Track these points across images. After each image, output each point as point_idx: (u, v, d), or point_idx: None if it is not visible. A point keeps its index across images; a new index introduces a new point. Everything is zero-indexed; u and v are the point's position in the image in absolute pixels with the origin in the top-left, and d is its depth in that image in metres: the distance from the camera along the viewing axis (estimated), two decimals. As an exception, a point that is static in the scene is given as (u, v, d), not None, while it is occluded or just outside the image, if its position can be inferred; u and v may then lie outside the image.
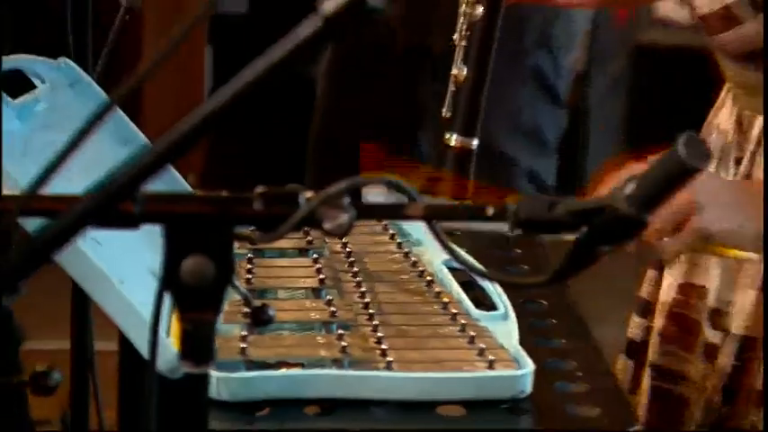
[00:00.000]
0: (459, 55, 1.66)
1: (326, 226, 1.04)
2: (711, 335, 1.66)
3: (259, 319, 1.30)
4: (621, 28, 5.25)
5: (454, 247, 1.13)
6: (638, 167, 1.46)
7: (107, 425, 2.09)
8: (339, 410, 1.40)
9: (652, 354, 1.73)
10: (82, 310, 1.92)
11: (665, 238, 1.41)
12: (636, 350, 1.79)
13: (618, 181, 1.39)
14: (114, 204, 0.96)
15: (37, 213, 0.93)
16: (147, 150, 0.97)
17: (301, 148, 3.17)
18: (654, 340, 1.74)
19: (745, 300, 1.61)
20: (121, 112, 1.64)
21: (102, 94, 1.66)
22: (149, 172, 0.97)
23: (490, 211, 1.09)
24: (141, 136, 1.66)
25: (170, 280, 1.02)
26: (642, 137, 1.88)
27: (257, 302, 1.22)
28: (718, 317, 1.65)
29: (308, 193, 1.05)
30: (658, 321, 1.73)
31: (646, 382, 1.74)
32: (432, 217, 1.12)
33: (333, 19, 0.87)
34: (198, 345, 1.05)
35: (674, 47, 5.41)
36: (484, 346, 1.50)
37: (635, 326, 1.80)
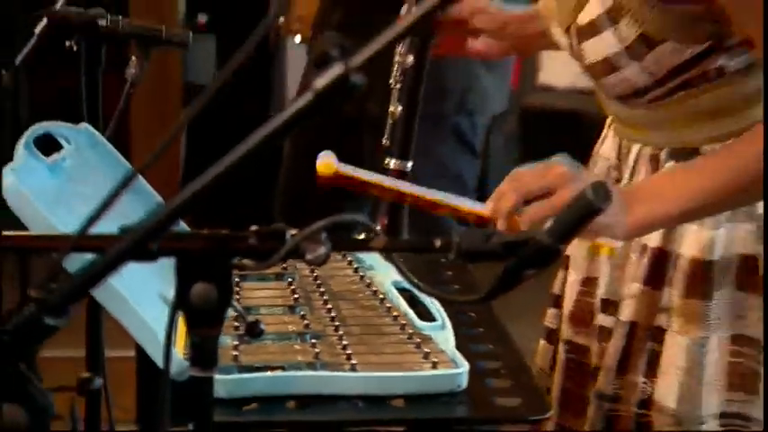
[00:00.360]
0: (394, 95, 1.66)
1: (308, 257, 1.03)
2: (602, 319, 1.66)
3: (253, 332, 1.29)
4: (511, 93, 5.28)
5: (406, 270, 1.14)
6: (521, 176, 1.45)
7: (115, 421, 2.07)
8: (314, 404, 1.39)
9: (565, 332, 1.74)
10: (95, 322, 1.90)
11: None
12: (552, 335, 1.78)
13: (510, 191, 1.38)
14: (144, 244, 0.95)
15: (84, 250, 0.93)
16: (166, 206, 0.96)
17: (269, 195, 3.15)
18: (565, 322, 1.74)
19: (630, 291, 1.62)
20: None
21: (115, 152, 1.64)
22: (169, 221, 0.96)
23: (438, 243, 1.09)
24: (149, 188, 1.65)
25: (181, 302, 1.02)
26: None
27: (251, 318, 1.22)
28: (609, 305, 1.66)
29: (293, 231, 1.04)
30: (567, 308, 1.74)
31: (561, 355, 1.74)
32: (391, 249, 1.12)
33: (322, 94, 0.86)
34: (204, 354, 1.04)
35: (554, 109, 5.46)
36: (428, 351, 1.50)
37: (550, 315, 1.79)
